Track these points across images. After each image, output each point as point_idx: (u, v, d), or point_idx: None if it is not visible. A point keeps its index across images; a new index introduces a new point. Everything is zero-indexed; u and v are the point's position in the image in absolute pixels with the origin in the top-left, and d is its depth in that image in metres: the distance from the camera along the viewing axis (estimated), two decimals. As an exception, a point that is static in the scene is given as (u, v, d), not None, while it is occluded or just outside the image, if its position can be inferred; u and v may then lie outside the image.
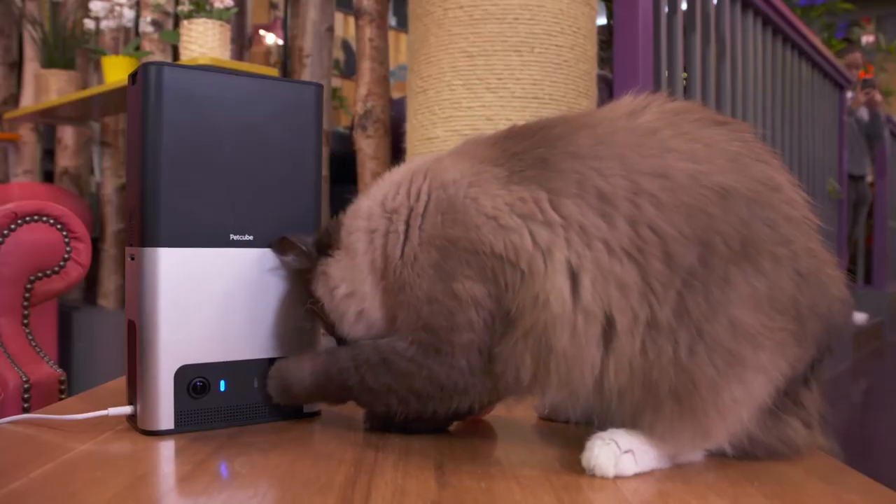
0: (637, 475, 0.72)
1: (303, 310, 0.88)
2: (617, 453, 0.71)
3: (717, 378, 0.70)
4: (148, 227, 0.82)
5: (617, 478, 0.71)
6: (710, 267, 0.70)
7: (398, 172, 0.87)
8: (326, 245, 0.86)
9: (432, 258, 0.77)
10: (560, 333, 0.71)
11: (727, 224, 0.70)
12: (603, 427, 0.75)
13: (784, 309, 0.71)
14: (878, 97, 5.26)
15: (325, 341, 0.91)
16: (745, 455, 0.76)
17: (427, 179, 0.81)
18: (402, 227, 0.80)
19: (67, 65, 3.11)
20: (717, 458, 0.76)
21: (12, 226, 1.27)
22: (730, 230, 0.70)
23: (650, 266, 0.70)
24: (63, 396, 1.34)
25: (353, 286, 0.83)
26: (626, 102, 0.79)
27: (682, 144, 0.73)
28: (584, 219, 0.72)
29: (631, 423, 0.74)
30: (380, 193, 0.85)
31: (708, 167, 0.72)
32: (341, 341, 0.86)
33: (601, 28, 2.24)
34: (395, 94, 3.00)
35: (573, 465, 0.74)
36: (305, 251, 0.86)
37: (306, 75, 2.66)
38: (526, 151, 0.77)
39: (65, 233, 1.32)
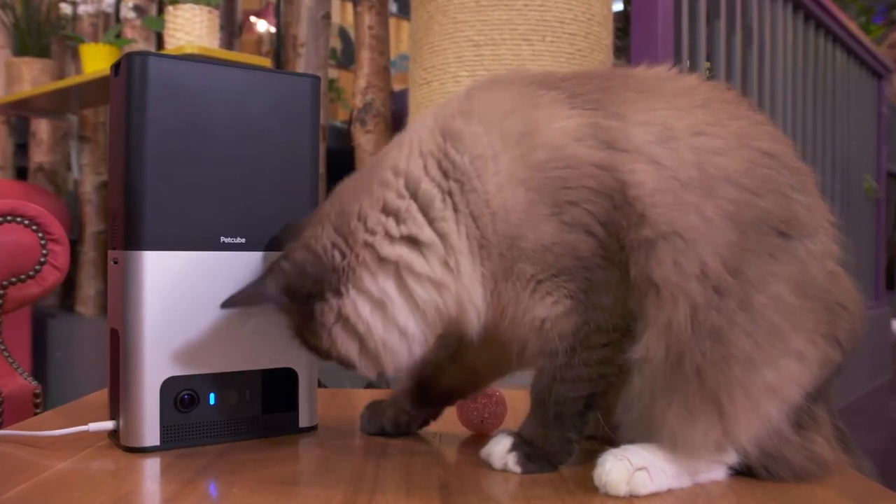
0: (654, 495, 0.72)
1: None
2: (630, 470, 0.72)
3: (755, 352, 0.71)
4: (132, 229, 0.83)
5: (631, 496, 0.71)
6: (763, 234, 0.73)
7: (411, 141, 0.80)
8: (320, 283, 0.78)
9: (530, 198, 0.75)
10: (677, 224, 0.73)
11: (776, 190, 0.75)
12: (611, 441, 0.76)
13: (817, 297, 0.75)
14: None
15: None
16: (770, 476, 0.76)
17: (472, 120, 0.78)
18: (476, 182, 0.76)
19: (42, 52, 3.12)
20: (741, 479, 0.77)
21: (-15, 227, 1.28)
22: (778, 198, 0.75)
23: (718, 205, 0.73)
24: (38, 411, 1.34)
25: (432, 291, 0.77)
26: (661, 68, 0.83)
27: (726, 108, 0.79)
28: (655, 148, 0.74)
29: (647, 418, 0.75)
30: (412, 171, 0.78)
31: (752, 131, 0.78)
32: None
33: (617, 15, 2.24)
34: (397, 86, 3.00)
35: (586, 482, 0.74)
36: (291, 305, 0.79)
37: (301, 65, 2.67)
38: (577, 85, 0.79)
39: (41, 234, 1.32)
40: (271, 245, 0.88)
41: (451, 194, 0.76)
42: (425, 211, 0.77)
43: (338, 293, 0.77)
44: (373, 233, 0.77)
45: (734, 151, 0.75)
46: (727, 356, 0.71)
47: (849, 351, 0.78)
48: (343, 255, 0.77)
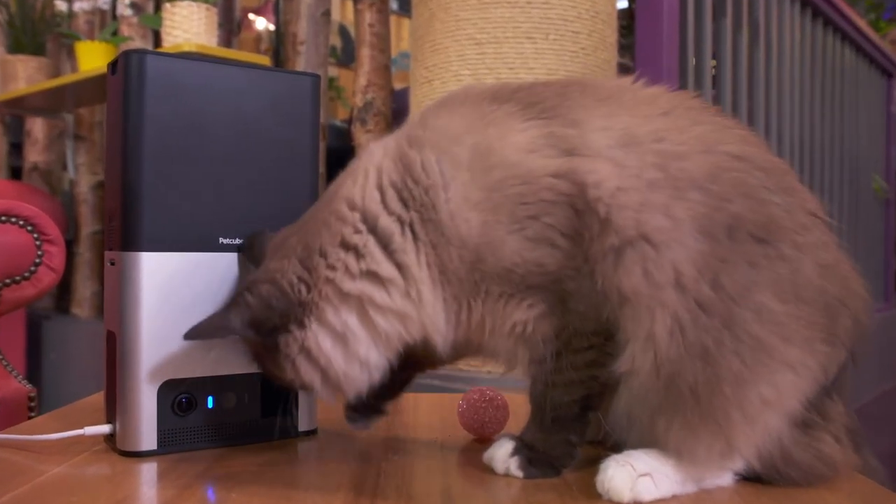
0: (658, 501, 0.72)
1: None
2: (633, 475, 0.72)
3: (744, 372, 0.71)
4: (129, 230, 0.83)
5: (635, 502, 0.71)
6: (737, 242, 0.72)
7: (367, 171, 0.80)
8: (286, 316, 0.78)
9: (485, 219, 0.75)
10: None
11: (747, 194, 0.74)
12: (617, 447, 0.76)
13: (811, 299, 0.73)
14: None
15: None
16: (778, 477, 0.76)
17: (425, 146, 0.78)
18: (431, 212, 0.76)
19: (37, 50, 3.12)
20: (748, 484, 0.77)
21: (-21, 228, 1.28)
22: (751, 202, 0.73)
23: (688, 206, 0.72)
24: (33, 414, 1.35)
25: (391, 324, 0.78)
26: (623, 79, 0.83)
27: (688, 114, 0.79)
28: (616, 151, 0.74)
29: (647, 431, 0.75)
30: (368, 206, 0.78)
31: (718, 136, 0.77)
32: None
33: (622, 12, 2.25)
34: (397, 85, 3.01)
35: (589, 487, 0.74)
36: (253, 335, 0.79)
37: (300, 64, 2.68)
38: (532, 94, 0.79)
39: (36, 235, 1.32)
40: (240, 250, 0.88)
41: (411, 225, 0.77)
42: (384, 245, 0.77)
43: (301, 325, 0.78)
44: (333, 269, 0.78)
45: (698, 156, 0.74)
46: (718, 376, 0.71)
47: (856, 345, 0.77)
48: (308, 289, 0.78)
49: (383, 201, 0.78)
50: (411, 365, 0.88)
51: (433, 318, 0.78)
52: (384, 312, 0.77)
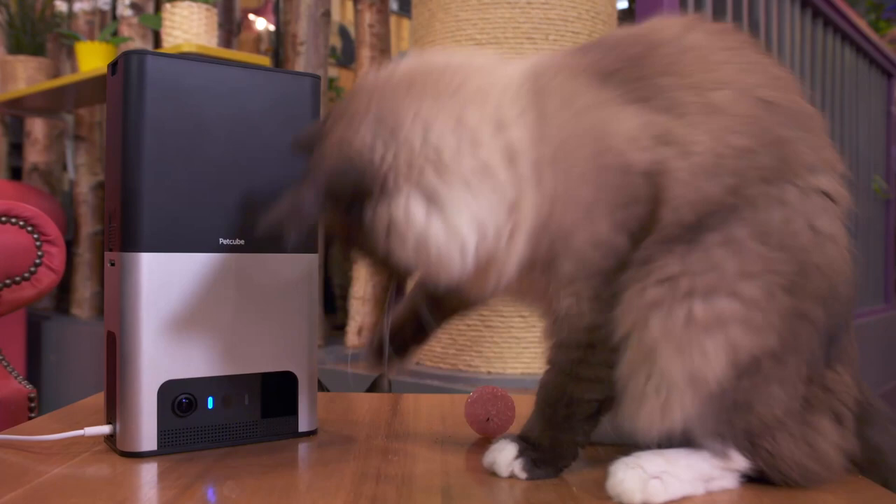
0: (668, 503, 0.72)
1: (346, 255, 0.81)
2: (644, 478, 0.72)
3: (682, 280, 0.72)
4: (129, 231, 0.83)
5: None
6: (750, 183, 0.74)
7: (505, 88, 0.78)
8: (364, 183, 0.74)
9: (589, 199, 0.75)
10: None
11: (771, 137, 0.76)
12: (624, 447, 0.76)
13: (787, 250, 0.73)
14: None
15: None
16: (778, 476, 0.76)
17: (549, 98, 0.77)
18: (548, 170, 0.75)
19: (37, 51, 3.13)
20: (752, 486, 0.77)
21: (-21, 228, 1.28)
22: (771, 144, 0.75)
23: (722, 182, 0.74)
24: (33, 415, 1.35)
25: (469, 223, 0.74)
26: (670, 21, 0.83)
27: (732, 57, 0.79)
28: (688, 134, 0.75)
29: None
30: (505, 111, 0.76)
31: (755, 80, 0.78)
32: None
33: (622, 12, 2.25)
34: (397, 84, 3.00)
35: (590, 487, 0.75)
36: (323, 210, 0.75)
37: (300, 64, 2.68)
38: (622, 69, 0.79)
39: (36, 235, 1.32)
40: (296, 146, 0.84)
41: (535, 163, 0.75)
42: (510, 153, 0.75)
43: (385, 193, 0.74)
44: (441, 136, 0.75)
45: (740, 117, 0.76)
46: (652, 278, 0.72)
47: (837, 309, 0.76)
48: (388, 152, 0.74)
49: (520, 119, 0.76)
50: (449, 306, 0.91)
51: (516, 249, 0.76)
52: (481, 200, 0.74)
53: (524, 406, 0.86)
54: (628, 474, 0.72)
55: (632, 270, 0.75)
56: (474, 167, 0.74)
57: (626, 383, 0.75)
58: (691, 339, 0.71)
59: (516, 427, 0.85)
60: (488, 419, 0.93)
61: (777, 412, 0.74)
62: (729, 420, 0.74)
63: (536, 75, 0.79)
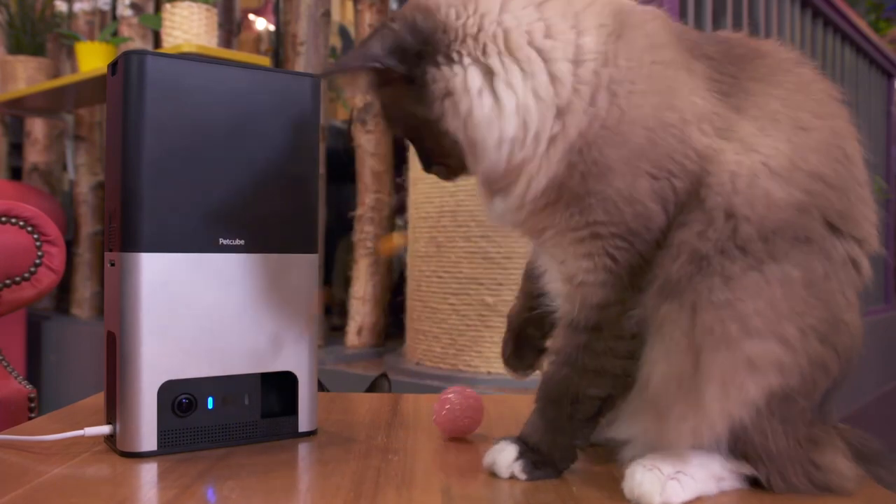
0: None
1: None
2: (662, 479, 0.72)
3: (732, 330, 0.71)
4: (129, 231, 0.83)
5: None
6: (811, 219, 0.74)
7: (588, 5, 0.76)
8: (432, 42, 0.73)
9: (638, 146, 0.73)
10: None
11: (843, 184, 0.76)
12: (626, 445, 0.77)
13: (824, 301, 0.74)
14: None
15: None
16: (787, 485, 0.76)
17: (634, 32, 0.75)
18: (616, 104, 0.73)
19: (37, 51, 3.13)
20: (755, 490, 0.77)
21: (-21, 228, 1.28)
22: (841, 190, 0.76)
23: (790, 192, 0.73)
24: (33, 415, 1.35)
25: (511, 117, 0.73)
26: (788, 49, 0.82)
27: (828, 100, 0.80)
28: (759, 136, 0.74)
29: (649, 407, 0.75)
30: (585, 18, 0.74)
31: (842, 130, 0.79)
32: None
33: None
34: (397, 84, 2.99)
35: (590, 487, 0.75)
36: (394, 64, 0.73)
37: (300, 64, 2.68)
38: (717, 60, 0.78)
39: (36, 235, 1.32)
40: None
41: (596, 78, 0.73)
42: (577, 55, 0.73)
43: (450, 59, 0.73)
44: (516, 18, 0.73)
45: (824, 149, 0.76)
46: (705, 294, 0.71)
47: (845, 368, 0.76)
48: (461, 17, 0.74)
49: (597, 33, 0.74)
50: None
51: (546, 159, 0.74)
52: (540, 90, 0.73)
53: (524, 406, 0.86)
54: (647, 476, 0.72)
55: (686, 267, 0.72)
56: (537, 56, 0.73)
57: (657, 401, 0.74)
58: (736, 379, 0.71)
59: (513, 425, 0.85)
60: (454, 420, 0.92)
61: (785, 445, 0.75)
62: (743, 451, 0.75)
63: (626, 11, 0.77)
